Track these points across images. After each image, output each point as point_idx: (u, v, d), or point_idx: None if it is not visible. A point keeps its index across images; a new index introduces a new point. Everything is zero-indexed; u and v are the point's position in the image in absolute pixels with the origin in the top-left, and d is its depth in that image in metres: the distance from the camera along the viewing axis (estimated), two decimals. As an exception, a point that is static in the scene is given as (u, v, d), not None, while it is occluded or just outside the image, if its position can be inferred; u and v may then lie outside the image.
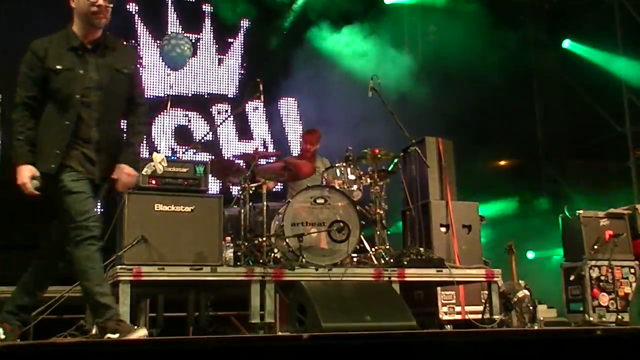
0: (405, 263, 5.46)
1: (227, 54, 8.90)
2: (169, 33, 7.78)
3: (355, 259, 5.58)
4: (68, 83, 3.73)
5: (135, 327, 3.59)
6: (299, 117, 9.14)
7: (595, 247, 6.80)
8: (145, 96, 8.22)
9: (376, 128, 7.19)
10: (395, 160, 6.24)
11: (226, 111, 8.67)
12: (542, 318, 6.17)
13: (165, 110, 8.08)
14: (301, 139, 7.31)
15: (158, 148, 8.04)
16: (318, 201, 5.47)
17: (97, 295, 3.52)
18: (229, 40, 8.95)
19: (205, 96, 8.69)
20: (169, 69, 8.03)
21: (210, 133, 8.31)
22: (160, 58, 7.91)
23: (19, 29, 7.47)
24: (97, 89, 3.78)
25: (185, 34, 8.14)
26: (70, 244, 3.65)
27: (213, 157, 8.15)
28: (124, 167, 3.90)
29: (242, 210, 5.59)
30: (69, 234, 3.65)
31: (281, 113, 9.10)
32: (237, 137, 8.73)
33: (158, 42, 8.08)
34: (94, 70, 3.81)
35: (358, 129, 7.86)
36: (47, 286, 4.03)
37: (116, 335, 3.35)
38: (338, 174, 5.97)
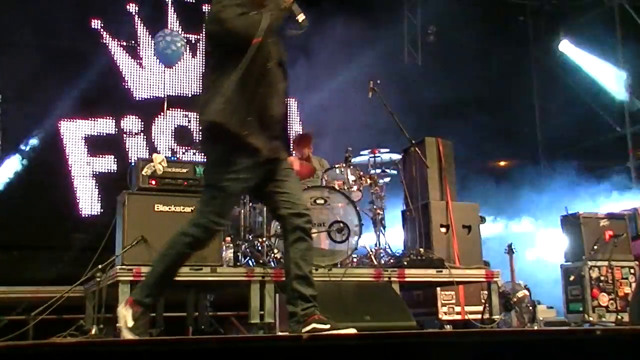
0: (405, 263, 5.46)
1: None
2: (163, 30, 7.76)
3: (355, 259, 5.58)
4: (265, 46, 3.42)
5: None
6: (298, 117, 9.14)
7: (595, 247, 6.80)
8: (145, 96, 8.28)
9: (376, 128, 7.19)
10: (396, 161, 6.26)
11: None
12: (541, 318, 6.17)
13: (162, 111, 8.07)
14: (293, 146, 7.26)
15: (158, 149, 8.05)
16: (318, 202, 5.48)
17: (155, 279, 3.43)
18: (229, 40, 8.93)
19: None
20: (162, 66, 8.02)
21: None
22: (155, 55, 7.90)
23: (17, 30, 7.48)
24: (279, 66, 3.52)
25: (179, 32, 8.10)
26: (187, 225, 3.45)
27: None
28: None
29: (242, 211, 5.59)
30: (196, 215, 3.47)
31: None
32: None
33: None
34: (276, 44, 3.54)
35: (358, 129, 7.87)
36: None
37: (128, 316, 3.29)
38: (338, 174, 5.97)
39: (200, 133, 3.62)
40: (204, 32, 3.67)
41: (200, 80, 8.66)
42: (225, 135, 3.35)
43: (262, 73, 3.40)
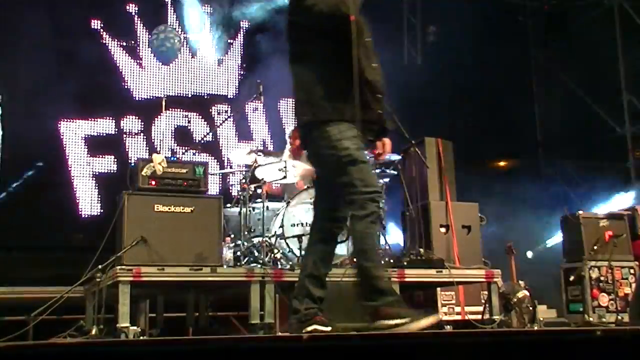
0: (405, 264, 5.46)
1: (227, 55, 8.90)
2: (158, 27, 7.70)
3: (355, 260, 5.57)
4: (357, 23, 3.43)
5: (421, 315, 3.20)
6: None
7: (595, 247, 6.80)
8: (145, 97, 8.28)
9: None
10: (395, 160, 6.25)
11: (226, 112, 8.67)
12: (542, 318, 6.17)
13: (161, 112, 8.06)
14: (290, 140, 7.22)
15: (158, 149, 8.04)
16: (318, 202, 5.47)
17: (375, 279, 3.27)
18: (229, 41, 8.95)
19: (205, 97, 8.69)
20: (160, 63, 7.99)
21: (210, 134, 8.31)
22: (151, 53, 7.87)
23: (17, 31, 7.48)
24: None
25: (174, 28, 8.04)
26: (352, 216, 3.36)
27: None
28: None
29: (242, 211, 5.59)
30: (352, 205, 3.36)
31: (281, 113, 9.10)
32: (236, 138, 8.73)
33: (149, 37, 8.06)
34: (363, 22, 3.55)
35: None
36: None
37: (393, 322, 3.11)
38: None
39: (306, 125, 3.51)
40: (286, 25, 3.59)
41: (200, 81, 8.67)
42: (334, 122, 3.35)
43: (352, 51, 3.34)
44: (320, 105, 3.38)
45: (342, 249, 5.38)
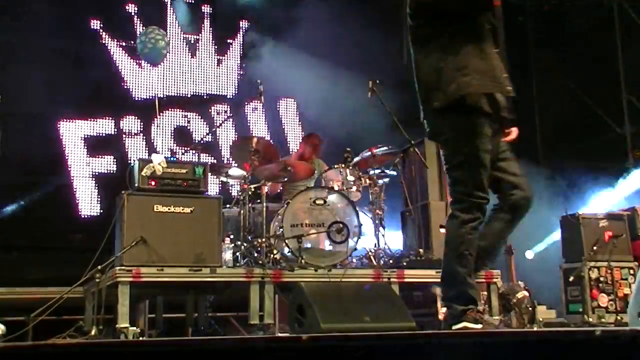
0: (405, 264, 5.46)
1: (226, 55, 8.90)
2: (141, 30, 7.59)
3: (354, 260, 5.58)
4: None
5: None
6: (298, 117, 9.14)
7: (595, 248, 6.79)
8: (144, 97, 8.27)
9: (376, 128, 7.19)
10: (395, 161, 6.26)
11: (225, 112, 8.67)
12: (541, 319, 6.17)
13: (155, 113, 8.02)
14: (302, 143, 7.29)
15: (157, 149, 8.04)
16: (317, 202, 5.48)
17: (469, 287, 3.22)
18: (228, 40, 8.95)
19: (205, 97, 8.68)
20: (149, 66, 7.93)
21: (210, 134, 8.30)
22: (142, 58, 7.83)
23: (16, 30, 7.48)
24: (492, 29, 3.40)
25: (155, 27, 7.97)
26: (453, 216, 3.26)
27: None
28: None
29: (242, 211, 5.59)
30: (457, 204, 3.26)
31: (280, 113, 9.10)
32: (236, 138, 8.72)
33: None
34: None
35: (356, 129, 7.86)
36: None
37: (479, 326, 3.12)
38: (337, 175, 5.97)
39: (433, 113, 3.33)
40: (410, 6, 3.38)
41: (199, 81, 8.66)
42: (469, 107, 3.22)
43: (485, 37, 3.27)
44: (451, 91, 3.22)
45: (342, 249, 5.38)
